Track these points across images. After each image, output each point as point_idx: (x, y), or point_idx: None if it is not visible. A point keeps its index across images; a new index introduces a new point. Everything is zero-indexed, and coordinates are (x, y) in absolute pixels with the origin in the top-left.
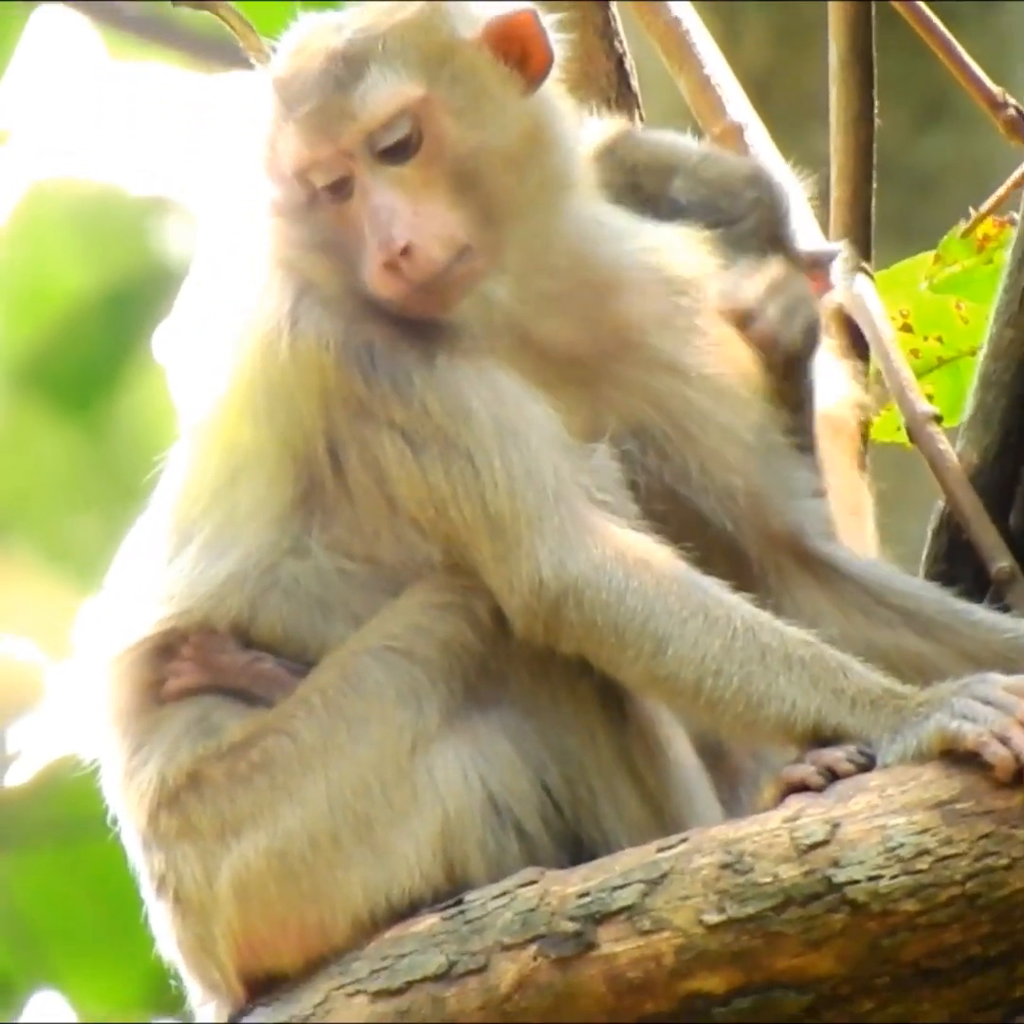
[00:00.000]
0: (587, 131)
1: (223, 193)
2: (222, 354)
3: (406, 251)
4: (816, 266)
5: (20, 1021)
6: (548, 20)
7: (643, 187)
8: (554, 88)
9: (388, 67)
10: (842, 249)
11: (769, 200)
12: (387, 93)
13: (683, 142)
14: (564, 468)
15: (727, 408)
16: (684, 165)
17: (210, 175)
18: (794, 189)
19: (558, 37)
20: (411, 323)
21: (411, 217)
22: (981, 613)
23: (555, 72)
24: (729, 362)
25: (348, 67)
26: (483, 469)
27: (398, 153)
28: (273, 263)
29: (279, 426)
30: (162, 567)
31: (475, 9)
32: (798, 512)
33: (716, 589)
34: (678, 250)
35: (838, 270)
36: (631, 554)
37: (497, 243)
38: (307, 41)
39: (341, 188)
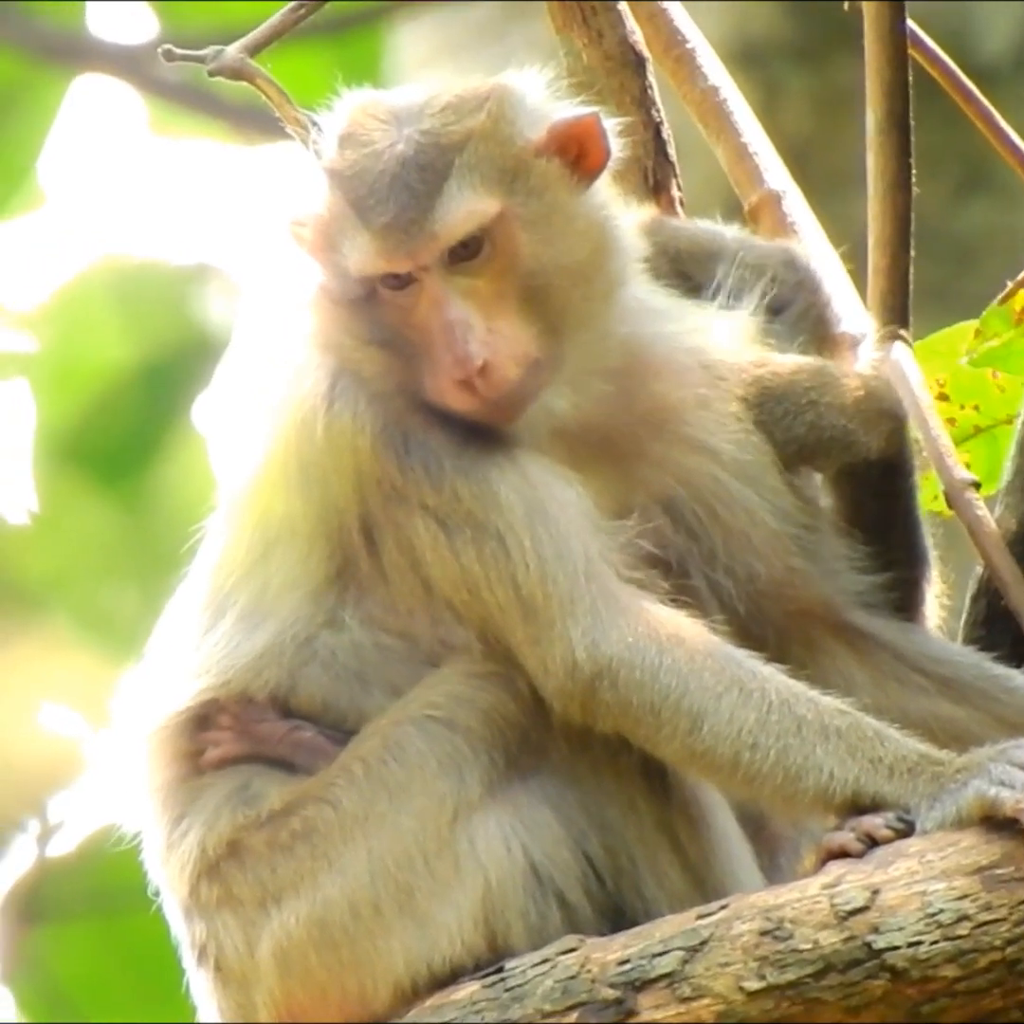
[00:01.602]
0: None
1: (265, 267)
2: (258, 429)
3: (482, 369)
4: (856, 344)
5: None
6: (610, 123)
7: (689, 275)
8: (602, 181)
9: (466, 182)
10: (871, 327)
11: (810, 282)
12: (466, 210)
13: (716, 227)
14: (594, 547)
15: (756, 491)
16: (725, 251)
17: (251, 247)
18: (830, 260)
19: (617, 139)
20: (446, 412)
21: (485, 334)
22: (1019, 680)
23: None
24: (763, 447)
25: (423, 179)
26: (514, 551)
27: (472, 263)
28: (314, 345)
29: (314, 504)
30: (198, 639)
31: (537, 108)
32: (830, 586)
33: (750, 662)
34: (719, 333)
35: (867, 348)
36: (663, 631)
37: (559, 353)
38: (363, 132)
39: (404, 289)
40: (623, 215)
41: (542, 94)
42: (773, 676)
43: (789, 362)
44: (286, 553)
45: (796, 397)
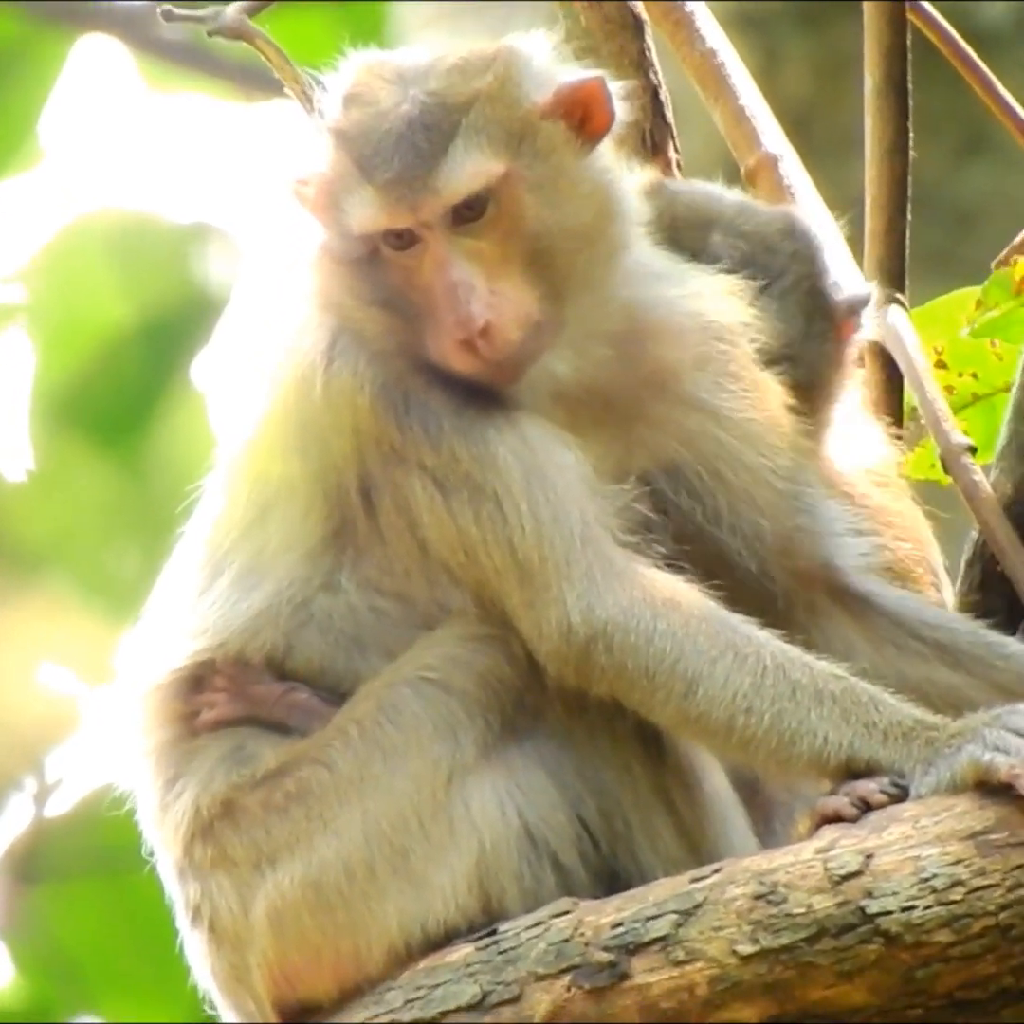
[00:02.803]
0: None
1: (266, 226)
2: (257, 388)
3: (484, 330)
4: (851, 313)
5: None
6: (614, 87)
7: (683, 242)
8: (605, 144)
9: (473, 142)
10: (874, 292)
11: (806, 252)
12: (472, 170)
13: (717, 193)
14: (591, 511)
15: (757, 451)
16: (722, 218)
17: (251, 206)
18: (828, 226)
19: (622, 103)
20: (446, 373)
21: (488, 295)
22: (1015, 646)
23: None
24: (762, 407)
25: (429, 138)
26: (511, 514)
27: (476, 224)
28: (315, 304)
29: (312, 462)
30: (195, 599)
31: (543, 71)
32: (831, 549)
33: (745, 627)
34: (716, 296)
35: (869, 313)
36: (659, 595)
37: (561, 316)
38: (369, 92)
39: (408, 249)
40: (626, 178)
41: (547, 57)
42: (768, 641)
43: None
44: (284, 513)
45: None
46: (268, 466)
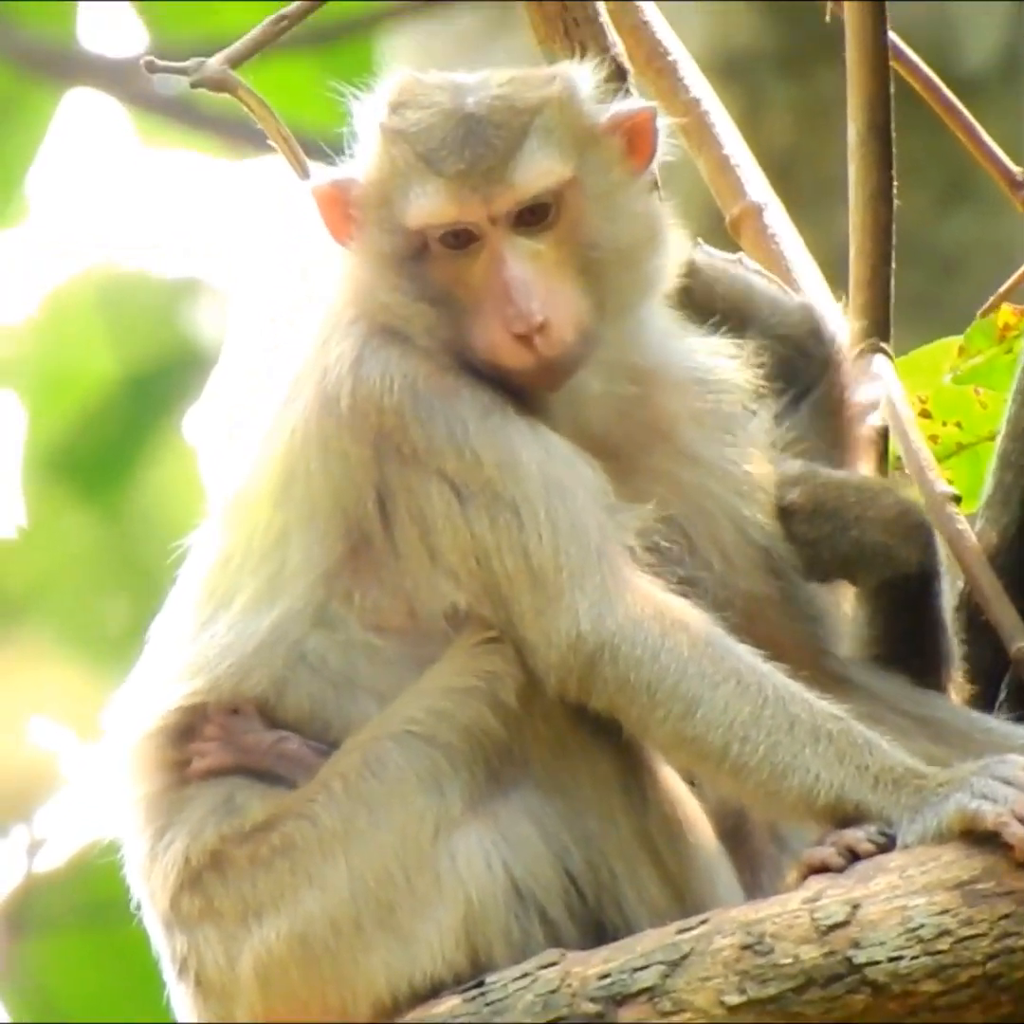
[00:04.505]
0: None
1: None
2: (273, 416)
3: (542, 326)
4: (870, 408)
5: None
6: (663, 121)
7: (721, 332)
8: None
9: (546, 141)
10: (884, 393)
11: (836, 358)
12: (546, 167)
13: (747, 282)
14: (608, 526)
15: (748, 509)
16: (757, 316)
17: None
18: (812, 274)
19: (668, 139)
20: (478, 377)
21: (546, 294)
22: (994, 722)
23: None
24: (756, 464)
25: (500, 135)
26: (528, 521)
27: (536, 228)
28: (343, 312)
29: (333, 479)
30: (194, 635)
31: (594, 95)
32: (810, 626)
33: (750, 657)
34: (714, 353)
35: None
36: (669, 615)
37: (601, 334)
38: (424, 97)
39: (464, 247)
40: (672, 223)
41: (595, 86)
42: (772, 673)
43: (836, 476)
44: (303, 534)
45: (844, 513)
46: (288, 491)
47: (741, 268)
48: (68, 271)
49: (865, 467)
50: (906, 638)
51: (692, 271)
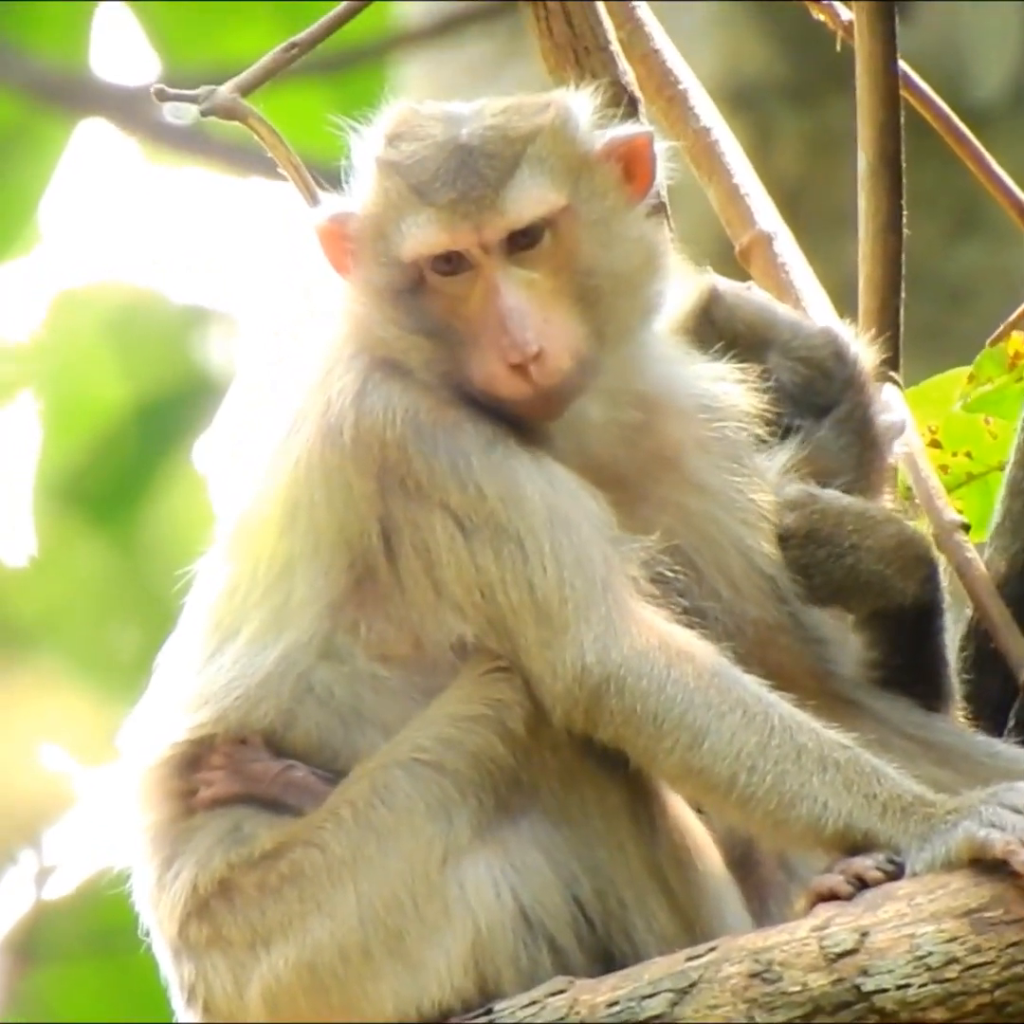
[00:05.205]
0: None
1: (287, 280)
2: (279, 449)
3: (537, 356)
4: (893, 439)
5: None
6: (660, 146)
7: (741, 358)
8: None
9: (538, 170)
10: (907, 419)
11: (858, 379)
12: (538, 196)
13: (768, 308)
14: (613, 557)
15: (753, 537)
16: (778, 340)
17: (250, 287)
18: (822, 304)
19: (668, 163)
20: (480, 410)
21: (542, 323)
22: (1001, 746)
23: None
24: (762, 492)
25: (492, 165)
26: (532, 554)
27: (531, 256)
28: (344, 347)
29: (337, 511)
30: (201, 666)
31: (593, 122)
32: (816, 650)
33: (756, 687)
34: (720, 380)
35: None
36: (674, 645)
37: (600, 361)
38: (419, 129)
39: (458, 276)
40: (667, 241)
41: (593, 112)
42: (778, 703)
43: (836, 504)
44: (308, 566)
45: (839, 540)
46: (292, 523)
47: (761, 293)
48: (79, 299)
49: (888, 488)
50: (905, 669)
51: (713, 296)
